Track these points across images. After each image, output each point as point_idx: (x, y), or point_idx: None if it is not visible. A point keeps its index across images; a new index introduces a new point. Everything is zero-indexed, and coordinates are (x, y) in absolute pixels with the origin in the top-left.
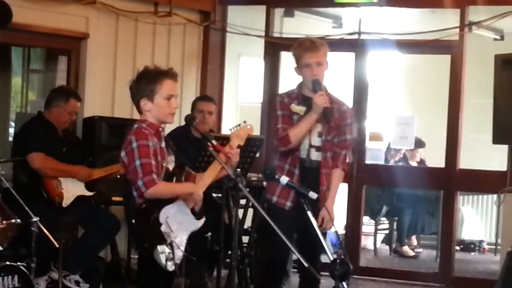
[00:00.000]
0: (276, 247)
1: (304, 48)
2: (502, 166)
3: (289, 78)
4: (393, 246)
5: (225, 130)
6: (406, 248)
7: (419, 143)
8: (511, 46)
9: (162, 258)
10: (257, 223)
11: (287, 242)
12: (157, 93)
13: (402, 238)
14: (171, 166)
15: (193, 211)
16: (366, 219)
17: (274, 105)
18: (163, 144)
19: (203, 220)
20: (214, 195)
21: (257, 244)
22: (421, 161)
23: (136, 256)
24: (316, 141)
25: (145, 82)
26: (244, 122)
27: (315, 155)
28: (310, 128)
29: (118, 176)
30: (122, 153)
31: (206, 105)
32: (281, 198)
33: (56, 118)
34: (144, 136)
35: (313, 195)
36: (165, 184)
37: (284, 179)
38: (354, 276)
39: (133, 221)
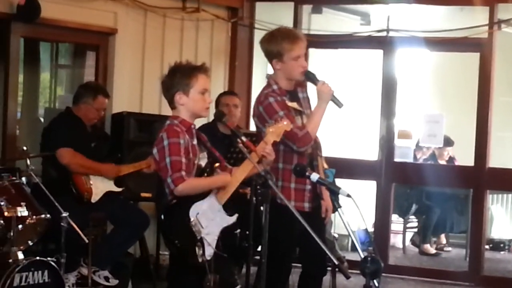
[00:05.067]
0: (283, 247)
1: (293, 39)
2: None
3: (317, 74)
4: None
5: (253, 127)
6: (427, 246)
7: (448, 142)
8: None
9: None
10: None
11: (320, 242)
12: (192, 87)
13: (426, 236)
14: (203, 163)
15: (224, 207)
16: (395, 217)
17: (268, 108)
18: (195, 141)
19: (235, 216)
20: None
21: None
22: (450, 159)
23: (165, 253)
24: None
25: (180, 76)
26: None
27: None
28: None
29: (146, 171)
30: (154, 150)
31: (230, 99)
32: (298, 201)
33: (84, 115)
34: (175, 133)
35: (344, 192)
36: (194, 180)
37: (315, 176)
38: (383, 274)
39: (162, 217)
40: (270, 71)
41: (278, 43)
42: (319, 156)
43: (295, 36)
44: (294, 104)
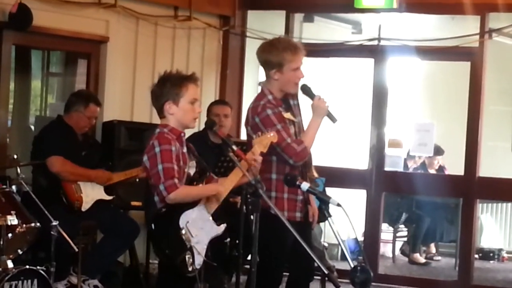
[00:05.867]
0: (276, 257)
1: (294, 50)
2: None
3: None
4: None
5: (244, 135)
6: (417, 255)
7: (438, 151)
8: None
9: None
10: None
11: (311, 254)
12: (182, 96)
13: (416, 245)
14: (192, 171)
15: (213, 217)
16: (384, 226)
17: (266, 120)
18: (185, 149)
19: (224, 226)
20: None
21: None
22: (440, 168)
23: (155, 261)
24: None
25: (170, 86)
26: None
27: None
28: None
29: (137, 180)
30: (145, 158)
31: (221, 109)
32: (290, 211)
33: (76, 123)
34: (167, 140)
35: (334, 201)
36: (186, 188)
37: (305, 185)
38: (373, 284)
39: (152, 226)
40: (261, 79)
41: (279, 53)
42: (309, 164)
43: (296, 47)
44: (288, 115)
